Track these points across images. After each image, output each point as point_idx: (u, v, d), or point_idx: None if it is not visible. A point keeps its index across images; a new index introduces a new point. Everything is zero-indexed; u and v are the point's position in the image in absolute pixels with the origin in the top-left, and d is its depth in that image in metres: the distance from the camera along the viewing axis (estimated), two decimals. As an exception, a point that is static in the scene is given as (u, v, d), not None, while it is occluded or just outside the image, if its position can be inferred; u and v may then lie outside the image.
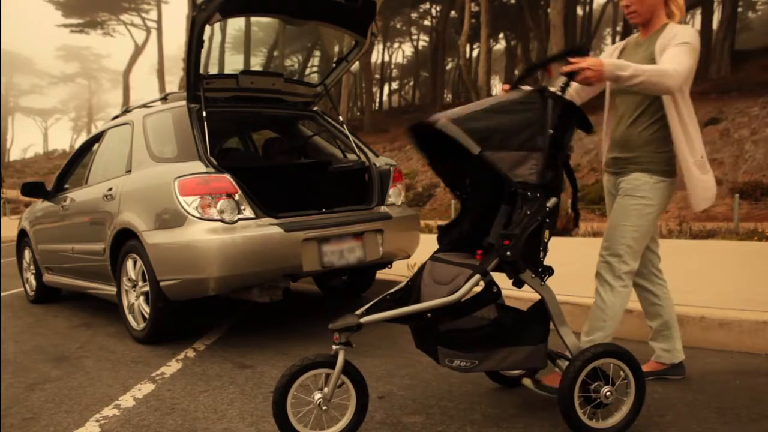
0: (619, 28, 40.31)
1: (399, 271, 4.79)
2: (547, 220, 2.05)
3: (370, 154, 4.34)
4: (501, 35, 45.18)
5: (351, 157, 4.50)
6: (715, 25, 27.70)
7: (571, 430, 2.07)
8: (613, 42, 41.85)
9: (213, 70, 38.09)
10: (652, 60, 2.37)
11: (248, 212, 3.41)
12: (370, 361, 3.13)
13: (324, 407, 2.05)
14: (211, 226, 3.30)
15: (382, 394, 2.63)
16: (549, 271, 2.13)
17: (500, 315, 2.17)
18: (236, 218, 3.36)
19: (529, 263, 2.07)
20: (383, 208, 4.03)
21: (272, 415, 2.03)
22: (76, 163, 5.23)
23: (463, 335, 2.10)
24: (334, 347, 2.09)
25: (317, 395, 2.07)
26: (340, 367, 2.06)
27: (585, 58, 2.11)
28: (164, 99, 4.33)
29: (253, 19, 36.22)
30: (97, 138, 4.84)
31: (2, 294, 6.07)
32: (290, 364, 3.09)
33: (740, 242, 7.43)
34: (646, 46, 2.46)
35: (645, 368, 2.57)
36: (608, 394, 2.09)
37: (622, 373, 2.12)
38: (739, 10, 33.79)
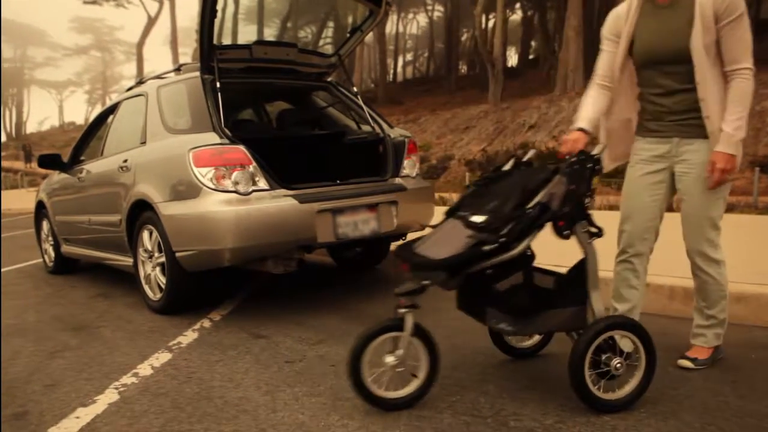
0: (638, -3, 39.33)
1: (413, 244, 4.78)
2: (597, 166, 2.09)
3: (385, 126, 4.30)
4: (517, 5, 44.34)
5: (365, 128, 4.48)
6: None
7: (581, 401, 2.08)
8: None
9: (226, 41, 37.84)
10: (686, 32, 2.21)
11: (262, 183, 3.41)
12: (384, 332, 3.14)
13: (398, 369, 2.11)
14: (226, 198, 3.31)
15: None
16: (599, 232, 2.12)
17: (539, 278, 2.18)
18: (251, 189, 3.36)
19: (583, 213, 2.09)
20: (398, 180, 4.01)
21: (349, 379, 2.11)
22: (92, 135, 5.25)
23: (511, 297, 2.13)
24: (400, 311, 2.12)
25: (389, 358, 2.11)
26: (409, 329, 2.11)
27: (715, 162, 2.20)
28: (178, 70, 4.30)
29: (266, -11, 35.87)
30: (112, 110, 4.85)
31: (21, 265, 6.16)
32: (305, 335, 3.14)
33: (759, 216, 7.33)
34: (676, 12, 2.27)
35: (701, 355, 2.50)
36: (618, 365, 2.09)
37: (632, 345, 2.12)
38: (764, -23, 32.84)
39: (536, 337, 2.38)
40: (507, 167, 2.42)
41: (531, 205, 2.04)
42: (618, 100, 2.52)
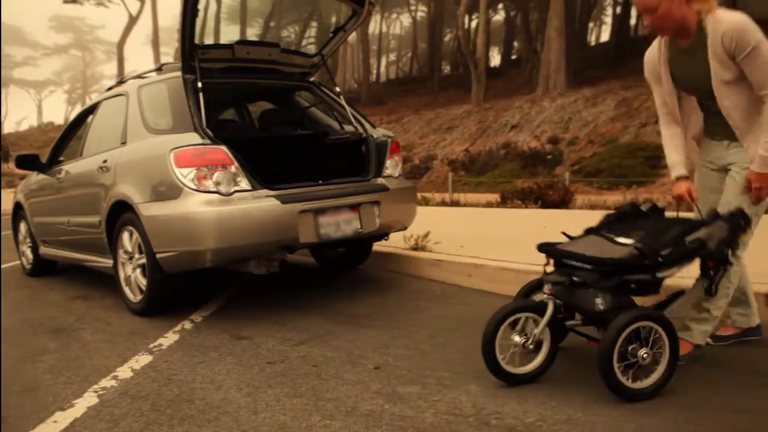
0: (619, -1, 39.77)
1: (396, 243, 4.80)
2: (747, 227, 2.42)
3: (368, 126, 4.30)
4: (500, 5, 44.59)
5: (348, 128, 4.47)
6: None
7: (610, 390, 2.15)
8: (614, 12, 41.46)
9: (208, 40, 37.61)
10: (708, 71, 2.36)
11: (244, 184, 3.39)
12: (366, 332, 3.15)
13: (530, 347, 2.31)
14: (207, 198, 3.29)
15: (378, 365, 2.65)
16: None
17: None
18: (232, 190, 3.35)
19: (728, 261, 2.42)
20: (380, 180, 4.01)
21: (481, 353, 2.30)
22: (71, 135, 5.18)
23: None
24: (544, 296, 2.33)
25: (516, 338, 2.31)
26: (549, 315, 2.28)
27: (750, 180, 2.35)
28: (159, 70, 4.27)
29: (249, -12, 35.70)
30: (92, 110, 4.79)
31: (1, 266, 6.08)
32: (287, 335, 3.13)
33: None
34: (695, 55, 2.40)
35: (723, 332, 2.70)
36: (645, 355, 2.17)
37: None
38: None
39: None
40: (644, 208, 2.64)
41: (691, 238, 2.30)
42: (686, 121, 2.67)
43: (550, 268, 2.43)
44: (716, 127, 2.53)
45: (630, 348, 2.16)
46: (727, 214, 2.38)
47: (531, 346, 2.32)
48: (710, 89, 2.41)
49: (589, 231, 2.53)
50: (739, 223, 2.36)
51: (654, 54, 2.59)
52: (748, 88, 2.34)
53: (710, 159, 2.62)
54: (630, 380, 2.17)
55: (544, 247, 2.43)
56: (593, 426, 2.00)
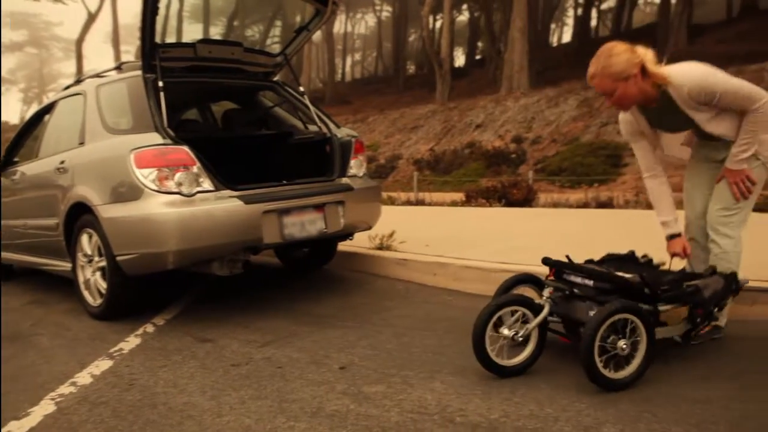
0: (581, 0, 40.49)
1: (360, 243, 4.80)
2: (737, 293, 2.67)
3: (332, 125, 4.29)
4: (464, 6, 44.96)
5: (312, 128, 4.45)
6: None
7: (591, 381, 2.22)
8: (575, 14, 42.17)
9: (171, 39, 36.99)
10: (687, 117, 2.51)
11: (207, 184, 3.35)
12: (331, 332, 3.14)
13: (519, 339, 2.40)
14: (169, 199, 3.24)
15: (343, 365, 2.64)
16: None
17: None
18: (195, 191, 3.30)
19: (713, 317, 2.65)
20: (344, 180, 4.01)
21: (472, 344, 2.36)
22: (26, 135, 5.04)
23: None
24: (544, 297, 2.50)
25: (506, 331, 2.40)
26: (545, 314, 2.42)
27: (727, 176, 2.55)
28: (118, 69, 4.19)
29: (211, -14, 35.25)
30: (48, 109, 4.67)
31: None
32: (251, 337, 3.10)
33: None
34: (668, 109, 2.52)
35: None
36: (624, 346, 2.24)
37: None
38: (697, -16, 34.32)
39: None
40: (642, 260, 2.74)
41: (689, 283, 2.46)
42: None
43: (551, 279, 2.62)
44: (709, 136, 2.64)
45: (610, 339, 2.24)
46: (724, 272, 2.57)
47: (520, 339, 2.40)
48: (694, 126, 2.57)
49: (589, 261, 2.69)
50: (732, 283, 2.56)
51: (627, 115, 2.70)
52: (731, 113, 2.50)
53: (705, 153, 2.73)
54: (610, 371, 2.25)
55: (548, 261, 2.59)
56: (556, 420, 2.03)
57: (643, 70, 2.44)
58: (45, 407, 2.33)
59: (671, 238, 2.72)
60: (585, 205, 9.49)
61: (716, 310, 2.54)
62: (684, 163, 2.86)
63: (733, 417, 2.02)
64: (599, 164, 17.70)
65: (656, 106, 2.56)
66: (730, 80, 2.43)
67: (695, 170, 2.81)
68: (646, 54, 2.45)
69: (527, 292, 2.73)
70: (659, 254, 2.82)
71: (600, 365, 2.21)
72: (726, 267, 2.66)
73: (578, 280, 2.51)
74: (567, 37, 47.51)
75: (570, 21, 47.23)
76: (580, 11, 40.09)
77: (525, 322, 2.44)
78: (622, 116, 2.75)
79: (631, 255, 2.62)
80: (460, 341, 2.87)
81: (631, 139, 2.78)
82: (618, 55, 2.43)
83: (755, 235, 3.12)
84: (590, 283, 2.46)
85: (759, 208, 6.80)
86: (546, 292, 2.51)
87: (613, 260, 2.67)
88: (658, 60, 2.50)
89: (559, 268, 2.59)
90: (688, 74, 2.42)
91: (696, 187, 2.79)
